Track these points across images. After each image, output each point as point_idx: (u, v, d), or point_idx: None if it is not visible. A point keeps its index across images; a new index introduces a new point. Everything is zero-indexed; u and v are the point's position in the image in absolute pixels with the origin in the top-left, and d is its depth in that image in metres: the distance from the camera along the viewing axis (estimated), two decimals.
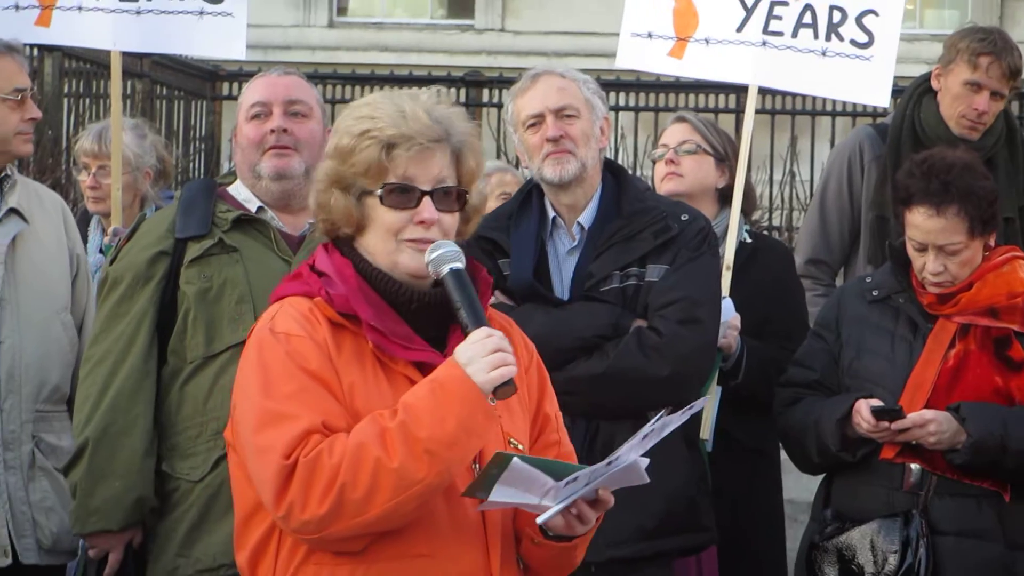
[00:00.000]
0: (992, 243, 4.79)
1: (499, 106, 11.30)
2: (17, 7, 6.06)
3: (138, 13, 6.00)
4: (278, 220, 4.53)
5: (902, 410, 4.59)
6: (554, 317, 4.59)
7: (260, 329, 3.20)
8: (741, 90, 9.68)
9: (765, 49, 5.71)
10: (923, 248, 4.70)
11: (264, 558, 3.19)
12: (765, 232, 9.86)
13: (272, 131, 4.49)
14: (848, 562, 4.64)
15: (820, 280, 5.93)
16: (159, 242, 4.50)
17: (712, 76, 5.91)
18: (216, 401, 4.33)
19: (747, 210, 5.61)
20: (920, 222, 4.67)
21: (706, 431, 5.06)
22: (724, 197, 5.55)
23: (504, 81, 11.41)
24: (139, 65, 11.48)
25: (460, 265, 3.20)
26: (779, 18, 5.72)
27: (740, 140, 5.65)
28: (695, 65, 5.78)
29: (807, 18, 5.73)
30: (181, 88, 12.56)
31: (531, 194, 4.78)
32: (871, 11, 5.69)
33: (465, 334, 3.15)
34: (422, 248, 3.20)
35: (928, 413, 4.60)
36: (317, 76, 11.19)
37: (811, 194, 11.59)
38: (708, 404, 5.07)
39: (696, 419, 4.88)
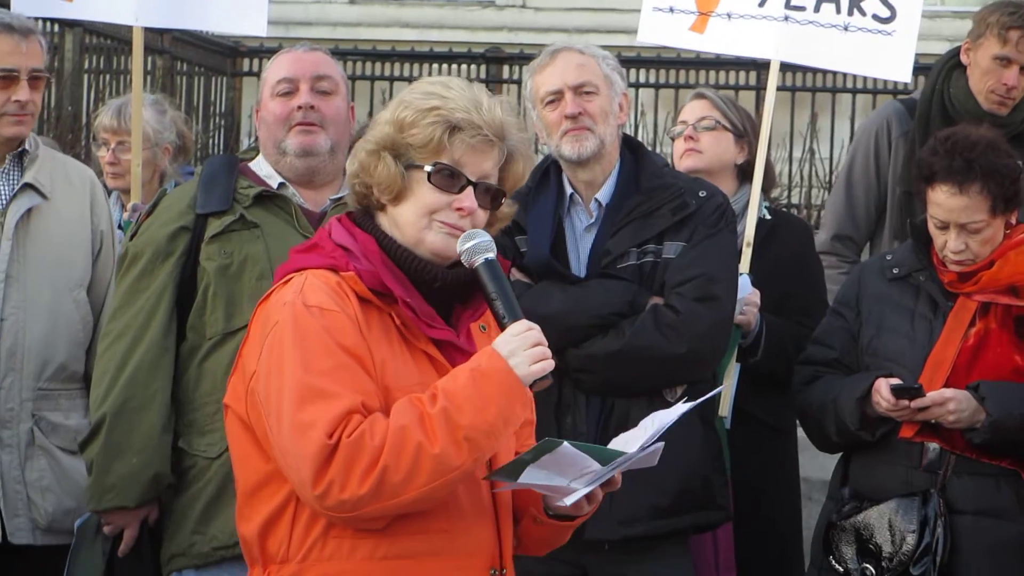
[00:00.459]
0: (1013, 220, 4.76)
1: (519, 83, 11.27)
2: None
3: None
4: (299, 196, 4.53)
5: (922, 388, 4.57)
6: (571, 295, 4.58)
7: (292, 302, 3.18)
8: (761, 67, 9.64)
9: (787, 24, 5.68)
10: (945, 226, 4.68)
11: (276, 530, 3.19)
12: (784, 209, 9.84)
13: (299, 108, 4.49)
14: (865, 541, 4.63)
15: (845, 257, 5.91)
16: (180, 218, 4.51)
17: (734, 51, 5.90)
18: None
19: (765, 187, 5.59)
20: (942, 200, 4.64)
21: (725, 408, 5.05)
22: (743, 173, 5.54)
23: (525, 58, 11.37)
24: (160, 41, 11.49)
25: (493, 255, 3.24)
26: None
27: (761, 116, 5.63)
28: (717, 40, 5.76)
29: None
30: (201, 64, 12.57)
31: (549, 171, 4.77)
32: None
33: (501, 325, 3.20)
34: (453, 233, 3.23)
35: (947, 392, 4.58)
36: (338, 52, 11.13)
37: (831, 172, 11.57)
38: (727, 381, 5.07)
39: (713, 397, 4.87)
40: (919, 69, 6.14)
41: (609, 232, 4.64)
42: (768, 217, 5.47)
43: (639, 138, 10.21)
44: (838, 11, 5.68)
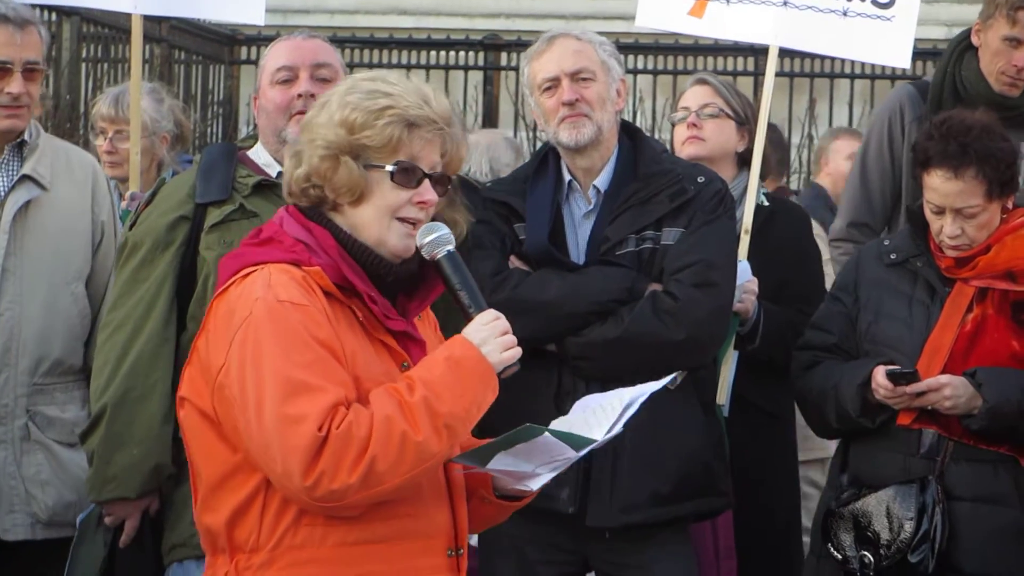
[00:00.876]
0: (1010, 205, 4.76)
1: (517, 69, 11.25)
2: None
3: None
4: None
5: (917, 373, 4.58)
6: (569, 282, 4.58)
7: (264, 297, 3.19)
8: (759, 53, 9.64)
9: (786, 9, 5.66)
10: (940, 211, 4.67)
11: (245, 520, 3.21)
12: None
13: (299, 96, 4.48)
14: (864, 528, 4.64)
15: (863, 244, 5.88)
16: (179, 207, 4.50)
17: (732, 36, 5.88)
18: None
19: (763, 173, 5.58)
20: (938, 185, 4.64)
21: (723, 396, 5.04)
22: (743, 161, 5.53)
23: (522, 44, 11.35)
24: (157, 29, 11.47)
25: (454, 248, 3.30)
26: None
27: (759, 102, 5.61)
28: (715, 25, 5.74)
29: None
30: (199, 52, 12.55)
31: (547, 158, 4.77)
32: None
33: (468, 315, 3.27)
34: (411, 229, 3.29)
35: (943, 378, 4.58)
36: (336, 40, 11.13)
37: None
38: (725, 369, 5.07)
39: (713, 384, 4.88)
40: (917, 54, 6.11)
41: (608, 219, 4.64)
42: (766, 203, 5.47)
43: (637, 124, 10.20)
44: None
